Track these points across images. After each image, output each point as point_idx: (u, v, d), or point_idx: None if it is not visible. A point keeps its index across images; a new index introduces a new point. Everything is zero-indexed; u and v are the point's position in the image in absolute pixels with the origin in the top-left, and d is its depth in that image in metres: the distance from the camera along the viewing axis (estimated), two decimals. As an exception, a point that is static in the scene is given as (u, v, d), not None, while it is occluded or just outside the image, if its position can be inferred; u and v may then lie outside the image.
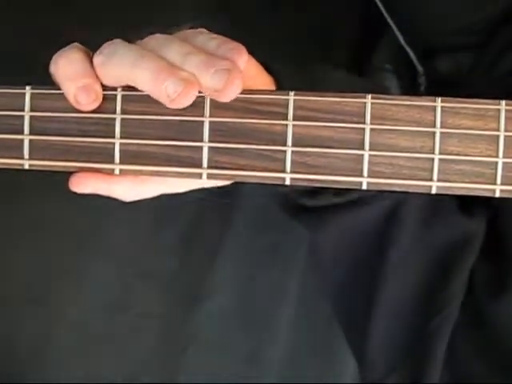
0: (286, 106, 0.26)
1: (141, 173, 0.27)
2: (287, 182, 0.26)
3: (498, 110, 0.26)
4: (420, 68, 0.49)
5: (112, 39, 0.27)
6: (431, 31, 0.47)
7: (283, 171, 0.26)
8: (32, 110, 0.27)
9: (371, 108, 0.26)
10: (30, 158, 0.27)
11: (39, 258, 0.53)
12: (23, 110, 0.27)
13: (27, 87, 0.27)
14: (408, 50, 0.50)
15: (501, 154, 0.26)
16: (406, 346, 0.36)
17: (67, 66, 0.26)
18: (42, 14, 0.49)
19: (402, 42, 0.50)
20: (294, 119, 0.26)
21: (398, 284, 0.35)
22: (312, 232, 0.36)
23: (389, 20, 0.50)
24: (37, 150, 0.27)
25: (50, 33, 0.46)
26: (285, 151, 0.26)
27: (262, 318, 0.59)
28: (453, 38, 0.46)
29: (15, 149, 0.26)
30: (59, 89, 0.26)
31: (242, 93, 0.26)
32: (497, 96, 0.41)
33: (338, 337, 0.60)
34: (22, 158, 0.26)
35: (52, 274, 0.53)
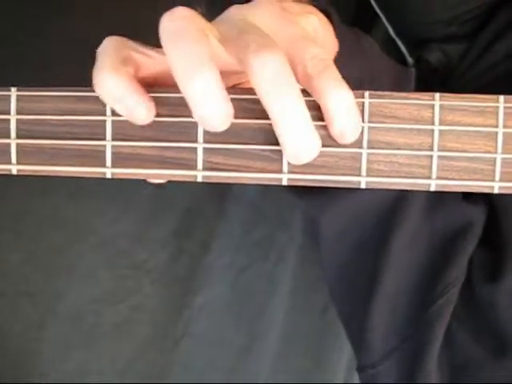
0: None
1: (134, 176, 0.26)
2: (284, 183, 0.26)
3: (497, 105, 0.26)
4: (410, 59, 0.49)
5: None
6: (421, 22, 0.46)
7: (280, 171, 0.26)
8: (18, 112, 0.25)
9: (369, 105, 0.26)
10: (18, 163, 0.26)
11: (31, 251, 0.52)
12: (9, 113, 0.25)
13: (12, 89, 0.26)
14: (398, 41, 0.50)
15: (499, 150, 0.26)
16: (404, 329, 0.36)
17: (113, 89, 0.23)
18: (42, 13, 0.47)
19: (392, 33, 0.50)
20: None
21: (400, 267, 0.35)
22: (317, 212, 0.36)
23: (378, 11, 0.50)
24: (25, 155, 0.25)
25: (50, 32, 0.45)
26: (281, 151, 0.25)
27: (254, 311, 0.59)
28: (442, 29, 0.46)
29: (2, 154, 0.25)
30: (46, 90, 0.26)
31: (236, 92, 0.25)
32: (485, 86, 0.41)
33: (331, 328, 0.60)
34: (10, 163, 0.25)
35: (43, 267, 0.53)
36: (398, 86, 0.36)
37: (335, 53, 0.29)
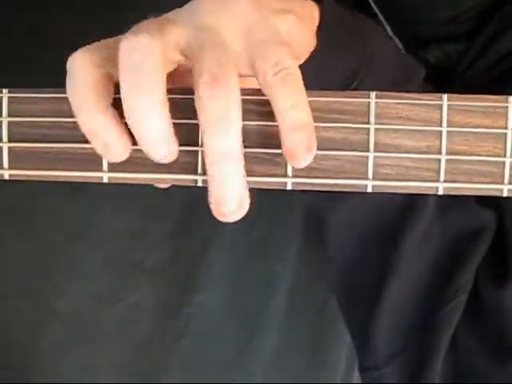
0: None
1: (132, 180, 0.25)
2: (289, 187, 0.25)
3: (506, 106, 0.25)
4: (408, 58, 0.48)
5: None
6: (420, 22, 0.46)
7: (284, 175, 0.25)
8: (10, 115, 0.25)
9: (376, 107, 0.25)
10: (11, 168, 0.25)
11: (30, 250, 0.52)
12: (1, 116, 0.24)
13: (4, 90, 0.25)
14: (396, 40, 0.49)
15: (508, 152, 0.25)
16: (411, 333, 0.35)
17: (87, 122, 0.23)
18: (41, 13, 0.47)
19: (390, 32, 0.49)
20: None
21: (410, 270, 0.35)
22: (325, 209, 0.35)
23: (376, 10, 0.49)
24: (17, 159, 0.25)
25: (50, 33, 0.44)
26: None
27: (253, 310, 0.59)
28: (441, 28, 0.45)
29: None
30: (39, 92, 0.25)
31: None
32: (485, 85, 0.40)
33: (330, 327, 0.60)
34: (1, 167, 0.25)
35: (42, 265, 0.52)
36: (404, 70, 0.35)
37: (310, 51, 0.28)
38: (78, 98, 0.23)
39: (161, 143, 0.23)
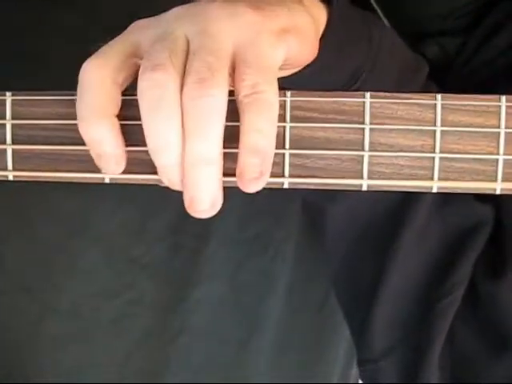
0: (283, 107, 0.25)
1: (133, 180, 0.26)
2: (285, 186, 0.26)
3: (499, 105, 0.26)
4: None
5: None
6: (418, 16, 0.46)
7: (282, 175, 0.25)
8: (13, 117, 0.25)
9: (370, 107, 0.25)
10: (14, 169, 0.25)
11: (28, 246, 0.52)
12: (4, 118, 0.25)
13: (7, 93, 0.25)
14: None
15: (501, 150, 0.26)
16: (408, 325, 0.36)
17: (87, 131, 0.24)
18: (42, 12, 0.47)
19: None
20: (291, 120, 0.25)
21: (408, 263, 0.35)
22: (325, 202, 0.35)
23: (374, 5, 0.49)
24: (21, 160, 0.25)
25: (50, 32, 0.44)
26: (283, 154, 0.25)
27: (251, 306, 0.59)
28: (439, 22, 0.45)
29: None
30: (42, 94, 0.25)
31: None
32: (483, 81, 0.40)
33: (329, 324, 0.60)
34: (6, 169, 0.25)
35: (40, 261, 0.52)
36: (409, 69, 0.34)
37: (311, 60, 0.28)
38: (84, 109, 0.24)
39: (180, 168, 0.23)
